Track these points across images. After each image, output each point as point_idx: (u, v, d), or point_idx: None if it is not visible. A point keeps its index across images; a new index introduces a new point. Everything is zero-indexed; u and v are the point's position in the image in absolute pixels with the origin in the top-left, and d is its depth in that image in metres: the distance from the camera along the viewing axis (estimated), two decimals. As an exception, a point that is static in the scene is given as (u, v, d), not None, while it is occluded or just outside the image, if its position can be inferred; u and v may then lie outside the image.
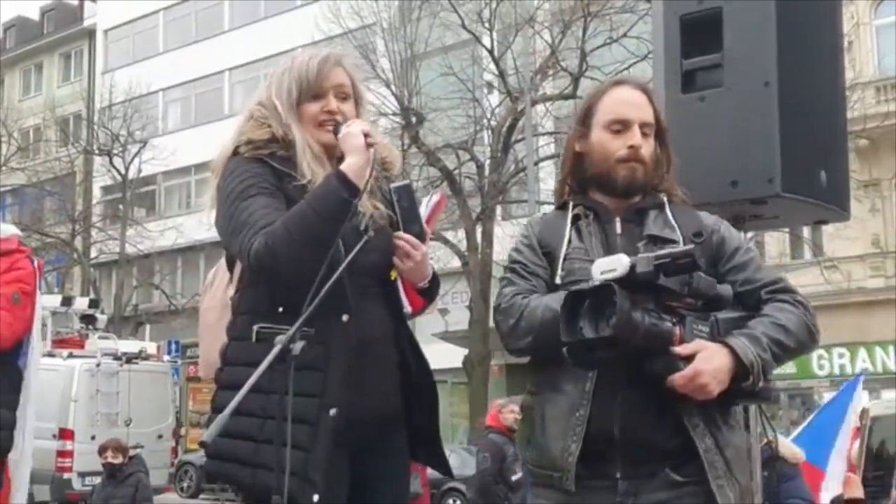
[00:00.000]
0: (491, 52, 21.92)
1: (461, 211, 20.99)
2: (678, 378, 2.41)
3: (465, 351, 21.32)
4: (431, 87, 22.78)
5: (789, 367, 21.29)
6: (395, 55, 22.47)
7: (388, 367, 2.71)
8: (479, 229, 21.13)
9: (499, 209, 22.48)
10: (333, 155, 2.73)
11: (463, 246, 21.21)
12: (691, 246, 2.46)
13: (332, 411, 2.54)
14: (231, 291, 2.77)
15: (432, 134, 22.29)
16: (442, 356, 14.66)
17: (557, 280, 2.62)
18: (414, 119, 21.62)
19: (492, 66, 22.36)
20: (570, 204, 2.73)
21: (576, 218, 2.69)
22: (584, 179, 2.76)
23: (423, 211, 2.84)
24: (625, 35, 20.22)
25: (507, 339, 2.63)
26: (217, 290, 2.86)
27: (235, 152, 2.74)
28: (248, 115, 2.80)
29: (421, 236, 2.72)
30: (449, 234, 21.16)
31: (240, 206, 2.61)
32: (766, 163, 3.31)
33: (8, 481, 4.09)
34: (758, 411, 3.58)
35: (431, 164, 21.43)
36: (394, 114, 21.93)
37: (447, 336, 22.37)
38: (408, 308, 2.80)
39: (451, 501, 18.88)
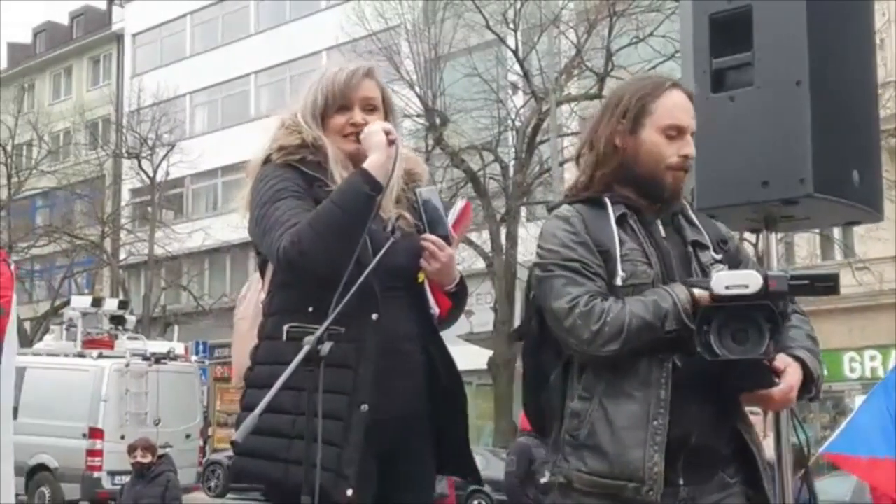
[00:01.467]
0: (515, 52, 21.91)
1: (485, 212, 21.01)
2: (778, 392, 2.50)
3: (490, 352, 21.31)
4: (455, 88, 22.81)
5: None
6: (419, 56, 22.53)
7: (413, 369, 2.72)
8: (503, 231, 21.13)
9: (523, 210, 22.46)
10: (359, 162, 2.76)
11: (487, 247, 21.22)
12: (836, 271, 2.51)
13: (364, 407, 2.57)
14: (262, 296, 2.81)
15: (456, 135, 22.31)
16: (467, 358, 14.70)
17: (618, 282, 2.52)
18: (438, 120, 21.66)
19: (516, 67, 22.35)
20: (608, 201, 2.62)
21: (622, 217, 2.60)
22: (614, 176, 2.65)
23: (450, 217, 2.86)
24: (651, 34, 20.17)
25: (589, 344, 2.47)
26: (251, 300, 2.91)
27: (268, 159, 2.80)
28: (279, 123, 2.86)
29: (447, 239, 2.75)
30: (473, 236, 21.16)
31: (270, 209, 2.67)
32: (797, 162, 3.26)
33: None
34: (790, 415, 3.54)
35: (456, 165, 21.46)
36: (418, 115, 21.97)
37: (472, 338, 22.35)
38: (435, 309, 2.81)
39: (476, 503, 18.88)
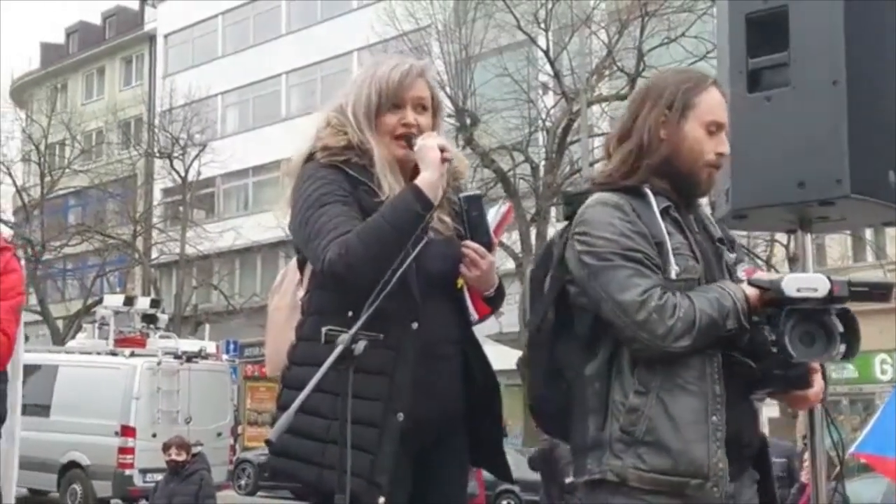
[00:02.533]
0: (546, 52, 21.87)
1: (515, 213, 20.96)
2: (813, 394, 2.55)
3: (519, 352, 21.27)
4: (486, 88, 22.78)
5: (851, 372, 20.93)
6: (450, 57, 22.51)
7: (452, 372, 2.73)
8: (533, 231, 21.08)
9: (553, 211, 22.38)
10: (406, 167, 2.76)
11: (517, 248, 21.18)
12: (893, 282, 2.51)
13: (400, 416, 2.56)
14: (301, 293, 2.81)
15: (487, 135, 22.28)
16: (496, 358, 14.57)
17: (672, 275, 2.46)
18: (468, 121, 21.64)
19: (547, 67, 22.31)
20: (650, 192, 2.56)
21: (665, 210, 2.55)
22: (656, 168, 2.59)
23: (491, 220, 2.83)
24: (683, 34, 20.07)
25: (663, 339, 2.39)
26: (286, 291, 2.91)
27: (310, 157, 2.77)
28: (325, 121, 2.81)
29: (489, 246, 2.73)
30: (503, 236, 21.09)
31: (315, 213, 2.64)
32: (834, 163, 3.25)
33: None
34: (824, 415, 3.52)
35: (486, 165, 21.43)
36: (448, 116, 21.93)
37: (501, 338, 22.31)
38: (474, 316, 2.82)
39: (505, 503, 18.86)
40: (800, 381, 2.52)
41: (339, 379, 2.26)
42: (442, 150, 2.65)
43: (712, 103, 2.61)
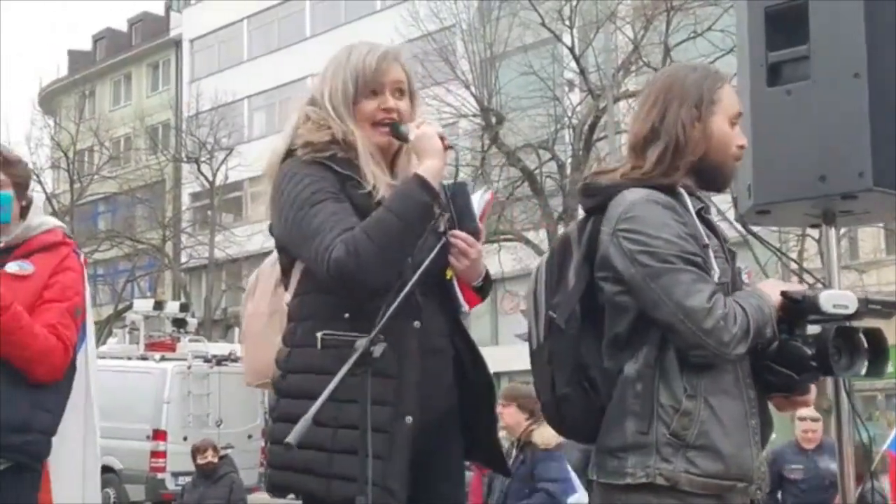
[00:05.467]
0: (572, 49, 21.77)
1: (542, 211, 20.92)
2: (810, 397, 2.63)
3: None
4: (511, 86, 22.72)
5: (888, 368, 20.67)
6: (475, 56, 22.47)
7: (446, 367, 2.68)
8: (560, 229, 21.01)
9: (581, 209, 22.32)
10: (388, 155, 2.70)
11: (544, 246, 21.10)
12: None
13: (409, 419, 2.51)
14: (287, 297, 2.69)
15: (512, 134, 22.21)
16: (524, 357, 14.56)
17: (714, 279, 2.44)
18: (494, 119, 21.60)
19: (572, 64, 22.20)
20: (684, 192, 2.53)
21: (699, 211, 2.53)
22: (687, 166, 2.55)
23: (475, 208, 2.75)
24: (709, 28, 19.92)
25: (727, 346, 2.37)
26: (262, 296, 2.82)
27: (289, 153, 2.67)
28: (304, 117, 2.71)
29: (476, 234, 2.67)
30: (530, 235, 21.09)
31: (309, 213, 2.52)
32: (856, 156, 3.22)
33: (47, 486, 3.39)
34: (852, 411, 3.48)
35: (512, 164, 21.38)
36: (474, 115, 21.94)
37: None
38: (465, 307, 2.75)
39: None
40: (804, 387, 2.58)
41: (343, 385, 2.18)
42: (442, 137, 2.58)
43: (733, 96, 2.62)
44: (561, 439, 7.18)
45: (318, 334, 2.48)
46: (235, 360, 16.78)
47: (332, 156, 2.61)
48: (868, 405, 20.45)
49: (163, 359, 16.09)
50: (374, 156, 2.64)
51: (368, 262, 2.44)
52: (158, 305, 18.11)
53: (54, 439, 3.24)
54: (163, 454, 15.26)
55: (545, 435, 6.13)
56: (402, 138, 2.65)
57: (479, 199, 2.79)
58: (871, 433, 3.42)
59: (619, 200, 2.50)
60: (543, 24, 21.75)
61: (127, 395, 15.60)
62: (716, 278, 2.44)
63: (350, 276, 2.45)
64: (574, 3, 21.71)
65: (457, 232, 2.64)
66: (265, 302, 2.80)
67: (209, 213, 33.23)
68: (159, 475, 15.25)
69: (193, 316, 19.24)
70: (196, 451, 10.30)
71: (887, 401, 21.49)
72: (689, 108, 2.54)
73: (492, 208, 2.96)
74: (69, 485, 3.63)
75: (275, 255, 2.78)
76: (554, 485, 6.10)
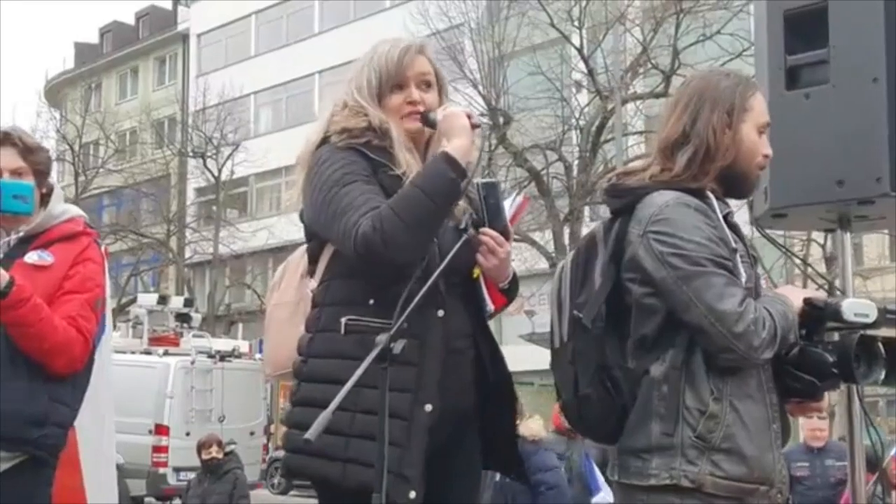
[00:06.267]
0: (580, 50, 21.75)
1: (549, 212, 20.89)
2: (821, 403, 2.69)
3: (554, 352, 21.20)
4: (519, 87, 22.70)
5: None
6: (483, 55, 22.45)
7: (467, 365, 2.66)
8: (566, 231, 20.99)
9: (587, 210, 22.29)
10: (420, 143, 2.70)
11: (550, 247, 21.09)
12: None
13: (428, 407, 2.50)
14: (313, 284, 2.69)
15: (520, 134, 22.18)
16: (528, 358, 14.61)
17: (742, 284, 2.46)
18: (501, 119, 21.58)
19: (581, 65, 22.18)
20: (712, 196, 2.54)
21: (726, 215, 2.55)
22: (717, 171, 2.57)
23: (507, 210, 2.74)
24: (718, 32, 19.90)
25: (756, 350, 2.39)
26: (287, 287, 2.82)
27: (324, 141, 2.68)
28: (340, 104, 2.72)
29: (505, 234, 2.66)
30: (536, 236, 21.06)
31: (339, 192, 2.54)
32: (873, 161, 3.21)
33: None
34: (863, 415, 3.47)
35: (519, 164, 21.35)
36: (481, 114, 21.91)
37: (534, 338, 22.22)
38: (490, 307, 2.74)
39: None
40: (819, 393, 2.60)
41: (365, 371, 2.18)
42: (469, 116, 2.58)
43: (762, 105, 2.63)
44: (545, 432, 7.34)
45: (343, 319, 2.47)
46: (238, 356, 16.82)
47: (366, 142, 2.63)
48: (870, 411, 20.39)
49: (166, 354, 16.08)
50: (406, 144, 2.65)
51: (395, 237, 2.44)
52: (162, 300, 18.11)
53: (79, 433, 3.24)
54: (165, 449, 15.25)
55: (532, 428, 6.25)
56: (432, 125, 2.66)
57: (511, 201, 2.79)
58: (882, 438, 3.43)
59: (648, 202, 2.51)
60: (552, 25, 21.73)
61: (129, 390, 15.55)
62: (743, 282, 2.46)
63: (377, 252, 2.45)
64: (583, 3, 21.69)
65: (486, 229, 2.62)
66: (291, 292, 2.80)
67: (214, 208, 33.24)
68: (161, 470, 15.23)
69: (197, 311, 19.21)
70: (201, 447, 10.30)
71: (888, 407, 21.46)
72: (721, 114, 2.55)
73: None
74: (87, 477, 3.64)
75: (303, 247, 2.79)
76: (548, 474, 6.35)
